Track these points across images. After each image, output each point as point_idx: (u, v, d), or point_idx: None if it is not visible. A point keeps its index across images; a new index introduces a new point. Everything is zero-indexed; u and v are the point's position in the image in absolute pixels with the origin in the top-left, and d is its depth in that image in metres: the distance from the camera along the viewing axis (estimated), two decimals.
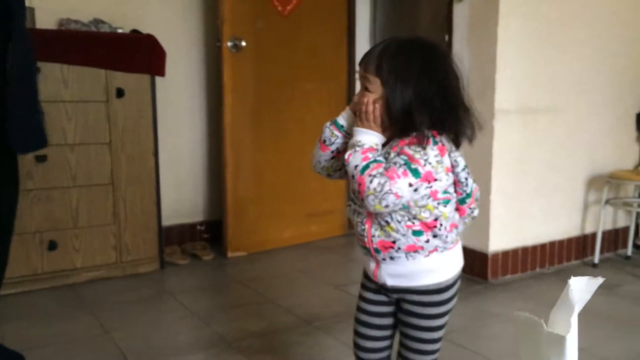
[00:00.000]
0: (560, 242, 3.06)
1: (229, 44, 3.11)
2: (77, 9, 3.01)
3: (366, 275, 1.36)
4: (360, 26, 3.70)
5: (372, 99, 1.20)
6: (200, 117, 3.49)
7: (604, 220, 3.10)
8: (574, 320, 0.75)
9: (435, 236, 1.23)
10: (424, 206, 1.21)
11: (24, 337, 2.19)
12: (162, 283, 2.85)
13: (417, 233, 1.22)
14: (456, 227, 1.28)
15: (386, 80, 1.19)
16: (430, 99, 1.18)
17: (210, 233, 3.53)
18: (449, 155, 1.21)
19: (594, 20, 3.02)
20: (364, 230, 1.27)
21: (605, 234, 3.19)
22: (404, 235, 1.22)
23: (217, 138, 3.40)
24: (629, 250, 3.26)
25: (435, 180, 1.18)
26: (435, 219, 1.23)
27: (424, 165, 1.16)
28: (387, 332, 1.38)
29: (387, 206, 1.15)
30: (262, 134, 3.32)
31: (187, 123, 3.45)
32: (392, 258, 1.25)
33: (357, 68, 1.26)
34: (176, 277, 2.94)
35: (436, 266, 1.26)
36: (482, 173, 2.79)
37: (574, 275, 0.81)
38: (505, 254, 2.86)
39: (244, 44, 3.15)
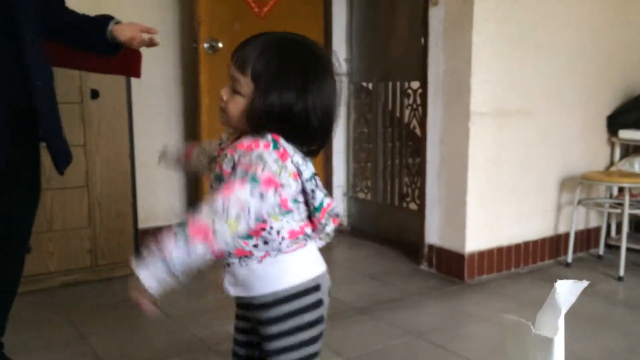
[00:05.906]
0: (535, 242, 3.11)
1: (206, 45, 3.10)
2: None
3: None
4: (337, 29, 3.70)
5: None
6: (177, 118, 3.46)
7: (577, 220, 3.16)
8: (561, 322, 0.77)
9: (265, 242, 1.15)
10: (269, 216, 1.14)
11: None
12: None
13: (245, 237, 1.14)
14: (297, 236, 1.17)
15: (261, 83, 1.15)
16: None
17: None
18: (292, 162, 1.12)
19: (566, 25, 3.08)
20: None
21: (578, 234, 3.25)
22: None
23: (193, 140, 3.37)
24: (601, 250, 3.32)
25: (282, 185, 1.10)
26: (264, 222, 1.13)
27: (263, 169, 1.07)
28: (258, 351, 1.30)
29: (243, 223, 1.06)
30: None
31: (163, 125, 3.42)
32: (228, 264, 1.20)
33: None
34: None
35: (271, 273, 1.17)
36: (458, 175, 2.83)
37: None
38: (481, 254, 2.89)
39: (220, 45, 3.14)
